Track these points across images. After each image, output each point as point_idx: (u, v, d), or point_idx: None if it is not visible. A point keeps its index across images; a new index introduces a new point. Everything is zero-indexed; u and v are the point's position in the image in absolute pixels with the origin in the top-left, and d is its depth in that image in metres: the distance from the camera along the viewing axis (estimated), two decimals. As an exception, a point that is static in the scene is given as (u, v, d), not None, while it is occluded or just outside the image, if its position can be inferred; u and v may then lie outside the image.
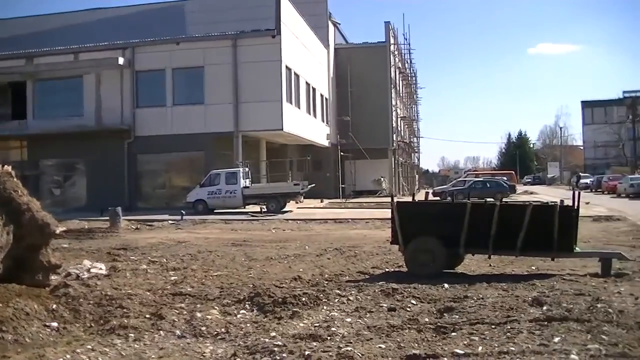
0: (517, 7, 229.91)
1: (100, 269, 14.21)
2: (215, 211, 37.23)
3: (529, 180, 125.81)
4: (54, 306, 9.82)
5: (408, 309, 9.96)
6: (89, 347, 8.21)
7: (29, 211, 10.78)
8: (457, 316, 9.29)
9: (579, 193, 14.23)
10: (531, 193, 69.37)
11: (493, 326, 8.54)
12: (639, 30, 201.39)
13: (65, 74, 44.10)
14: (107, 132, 42.58)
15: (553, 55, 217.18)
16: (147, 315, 9.59)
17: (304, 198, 40.83)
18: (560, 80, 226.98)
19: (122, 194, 41.39)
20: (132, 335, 8.67)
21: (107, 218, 28.90)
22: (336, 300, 10.75)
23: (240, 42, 42.62)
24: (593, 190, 71.76)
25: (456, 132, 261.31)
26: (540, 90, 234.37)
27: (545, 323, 8.56)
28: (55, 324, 9.21)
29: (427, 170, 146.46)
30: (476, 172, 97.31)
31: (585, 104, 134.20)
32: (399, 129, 70.79)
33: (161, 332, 8.90)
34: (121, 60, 42.70)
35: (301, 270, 14.56)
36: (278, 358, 7.59)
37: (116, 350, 8.16)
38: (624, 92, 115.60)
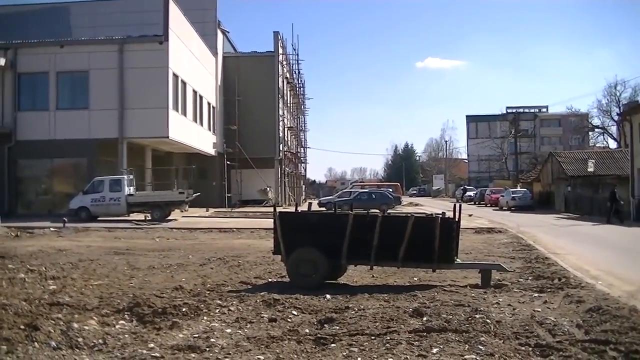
0: (407, 22, 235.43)
1: (-26, 278, 13.67)
2: (98, 219, 36.50)
3: (415, 192, 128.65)
4: None
5: (289, 320, 9.91)
6: (-45, 362, 7.83)
7: None
8: (337, 327, 9.26)
9: (460, 205, 14.47)
10: (416, 205, 70.93)
11: (373, 337, 8.55)
12: (521, 49, 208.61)
13: (-58, 73, 42.35)
14: (-15, 135, 41.07)
15: (440, 70, 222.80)
16: (22, 326, 9.11)
17: (189, 207, 40.65)
18: (447, 95, 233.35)
19: (1, 199, 40.02)
20: (5, 347, 8.24)
21: (-16, 225, 27.92)
22: (217, 310, 10.60)
23: (126, 47, 42.04)
24: (476, 202, 73.99)
25: (344, 143, 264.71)
26: (427, 104, 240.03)
27: (425, 334, 8.65)
28: None
29: (314, 180, 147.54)
30: (362, 184, 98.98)
31: (470, 119, 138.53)
32: (286, 139, 71.20)
33: (35, 343, 8.48)
34: (2, 61, 41.31)
35: (183, 280, 14.39)
36: (155, 370, 7.44)
37: (-15, 364, 7.81)
38: (507, 107, 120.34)
